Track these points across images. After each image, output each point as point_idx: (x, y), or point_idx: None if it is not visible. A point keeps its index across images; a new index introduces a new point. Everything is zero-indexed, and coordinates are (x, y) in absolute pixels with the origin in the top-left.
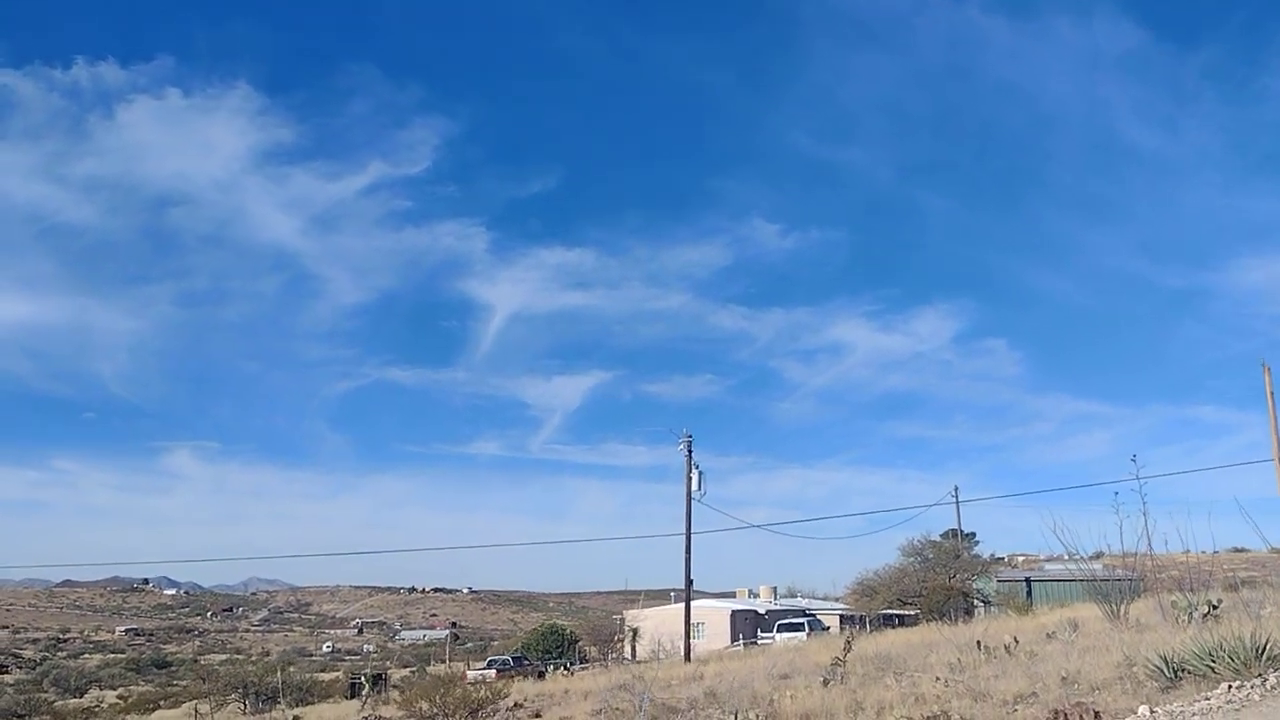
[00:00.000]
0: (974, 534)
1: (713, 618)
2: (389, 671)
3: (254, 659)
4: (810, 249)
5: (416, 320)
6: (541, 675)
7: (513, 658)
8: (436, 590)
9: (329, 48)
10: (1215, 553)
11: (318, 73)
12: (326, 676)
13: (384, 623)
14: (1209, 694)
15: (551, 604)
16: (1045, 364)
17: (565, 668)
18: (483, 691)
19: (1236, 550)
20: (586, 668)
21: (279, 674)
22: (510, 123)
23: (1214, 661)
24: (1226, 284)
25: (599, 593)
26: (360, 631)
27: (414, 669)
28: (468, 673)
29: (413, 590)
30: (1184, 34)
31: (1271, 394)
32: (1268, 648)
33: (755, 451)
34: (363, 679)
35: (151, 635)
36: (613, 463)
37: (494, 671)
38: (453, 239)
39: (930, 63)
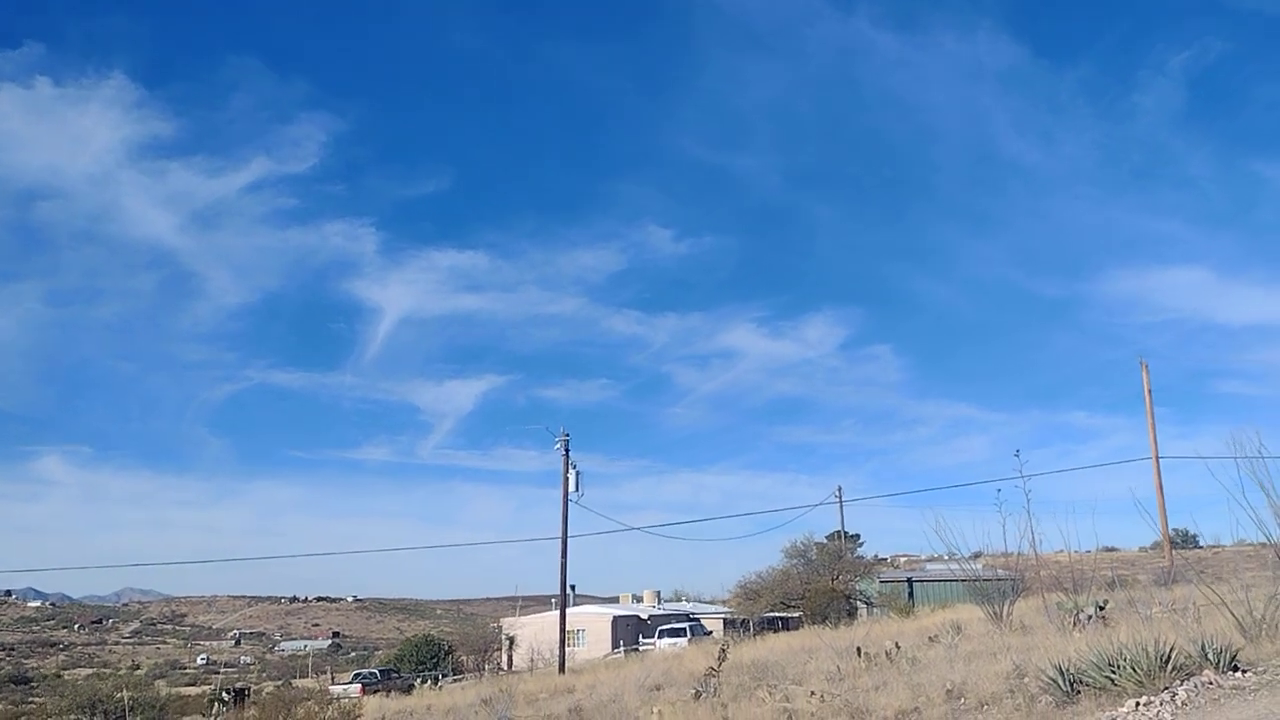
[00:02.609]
0: (858, 535)
1: (594, 624)
2: (257, 686)
3: (122, 673)
4: (703, 255)
5: (302, 322)
6: (409, 690)
7: (381, 671)
8: (320, 599)
9: (210, 40)
10: (1088, 552)
11: (198, 65)
12: (196, 690)
13: (263, 633)
14: (1114, 711)
15: (439, 611)
16: (927, 370)
17: (434, 681)
18: (329, 711)
19: (1107, 549)
20: (460, 680)
21: (125, 691)
22: (400, 122)
23: (1115, 672)
24: (1097, 294)
25: (489, 599)
26: (238, 643)
27: (282, 683)
28: (331, 687)
29: (294, 599)
30: (1060, 51)
31: (1150, 392)
32: (1172, 655)
33: (648, 456)
34: (221, 694)
35: (12, 649)
36: (505, 467)
37: (359, 686)
38: (341, 239)
39: (819, 72)
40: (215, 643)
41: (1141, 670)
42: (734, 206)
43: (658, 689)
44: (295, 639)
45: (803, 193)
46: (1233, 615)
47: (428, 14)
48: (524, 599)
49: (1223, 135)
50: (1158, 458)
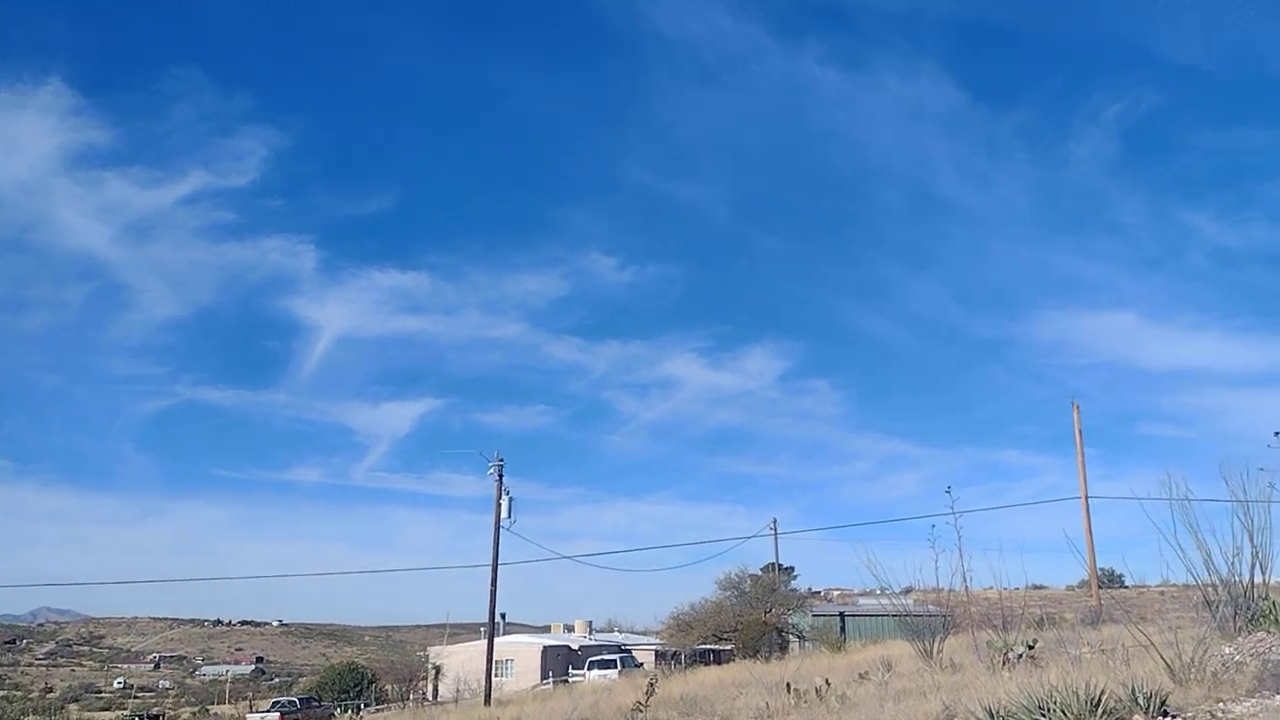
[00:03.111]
0: (793, 568)
1: (523, 654)
2: (174, 712)
3: (34, 696)
4: (646, 283)
5: (236, 338)
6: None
7: (301, 699)
8: (244, 623)
9: (152, 50)
10: (1017, 589)
11: (139, 75)
12: (110, 715)
13: (184, 657)
14: None
15: (368, 638)
16: (864, 405)
17: (355, 711)
18: None
19: (1036, 587)
20: (383, 709)
21: (34, 715)
22: (345, 139)
23: (1044, 716)
24: (1030, 334)
25: (419, 626)
26: (157, 666)
27: (199, 709)
28: (249, 715)
29: (218, 623)
30: (999, 97)
31: (1080, 432)
32: (1103, 700)
33: (586, 484)
34: None
35: None
36: (442, 492)
37: (278, 715)
38: (279, 255)
39: (766, 106)
40: (134, 666)
41: (1071, 714)
42: (679, 236)
43: None
44: (217, 663)
45: (747, 224)
46: (1161, 658)
47: (376, 33)
48: (454, 626)
49: (1154, 183)
50: (1087, 497)
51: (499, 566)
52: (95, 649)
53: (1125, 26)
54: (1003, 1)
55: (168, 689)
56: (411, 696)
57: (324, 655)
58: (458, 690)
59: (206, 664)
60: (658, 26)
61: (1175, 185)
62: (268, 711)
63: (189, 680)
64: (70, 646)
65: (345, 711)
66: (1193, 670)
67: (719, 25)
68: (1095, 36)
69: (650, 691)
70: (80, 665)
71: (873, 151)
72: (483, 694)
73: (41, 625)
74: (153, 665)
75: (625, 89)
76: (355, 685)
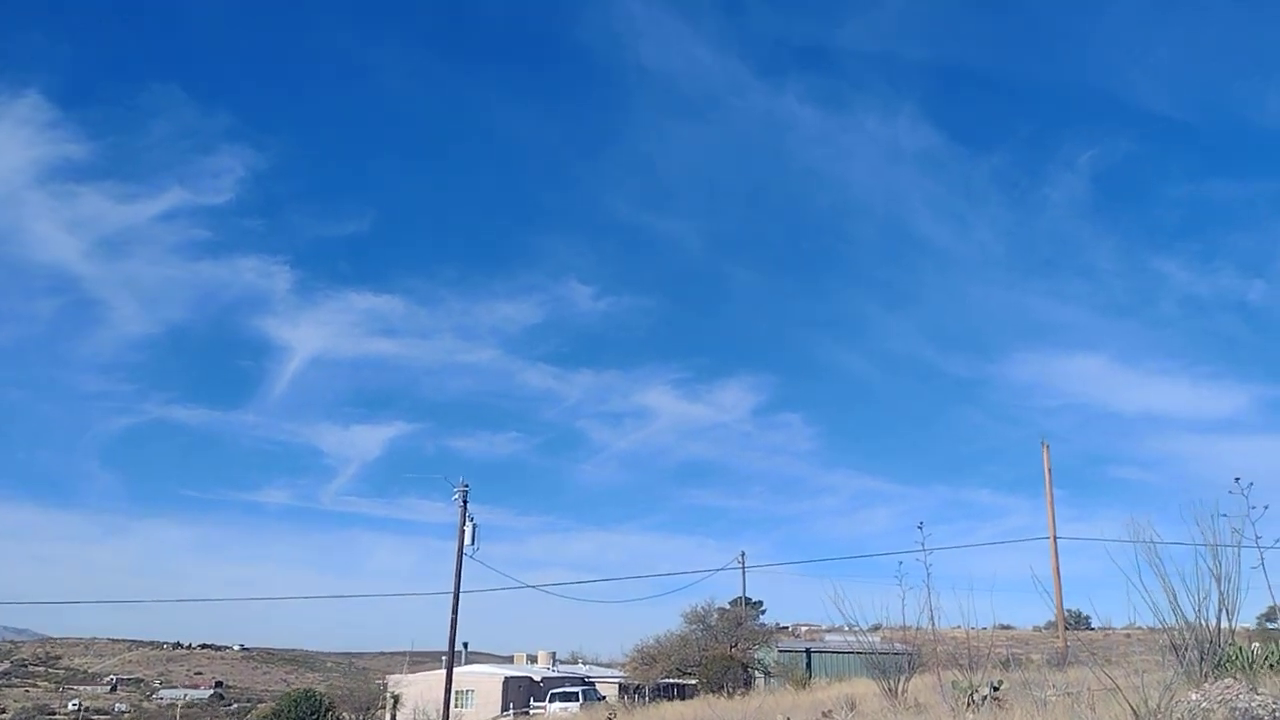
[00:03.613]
0: (761, 602)
1: (484, 685)
2: None
3: None
4: (622, 313)
5: (208, 357)
6: None
7: None
8: (204, 646)
9: (132, 65)
10: (984, 629)
11: (118, 89)
12: None
13: (142, 680)
14: None
15: (330, 664)
16: (836, 440)
17: None
18: None
19: (1003, 627)
20: None
21: None
22: (324, 160)
23: None
24: (1003, 375)
25: (383, 653)
26: (114, 689)
27: None
28: None
29: (178, 646)
30: (976, 140)
31: (1050, 472)
32: None
33: (555, 512)
34: None
35: None
36: (410, 517)
37: None
38: (253, 275)
39: (745, 141)
40: (90, 688)
41: None
42: (656, 268)
43: None
44: (175, 687)
45: (724, 258)
46: (1128, 703)
47: (359, 55)
48: (417, 654)
49: (1126, 230)
50: (1055, 538)
51: (461, 594)
52: (51, 669)
53: (1100, 75)
54: (980, 47)
55: (123, 712)
56: None
57: (285, 681)
58: None
59: (165, 687)
60: (640, 60)
61: (1147, 232)
62: None
63: (146, 704)
64: (25, 666)
65: None
66: (1159, 717)
67: (701, 61)
68: (1070, 84)
69: None
70: (35, 686)
71: (850, 190)
72: None
73: None
74: (109, 688)
75: (607, 120)
76: (311, 713)
